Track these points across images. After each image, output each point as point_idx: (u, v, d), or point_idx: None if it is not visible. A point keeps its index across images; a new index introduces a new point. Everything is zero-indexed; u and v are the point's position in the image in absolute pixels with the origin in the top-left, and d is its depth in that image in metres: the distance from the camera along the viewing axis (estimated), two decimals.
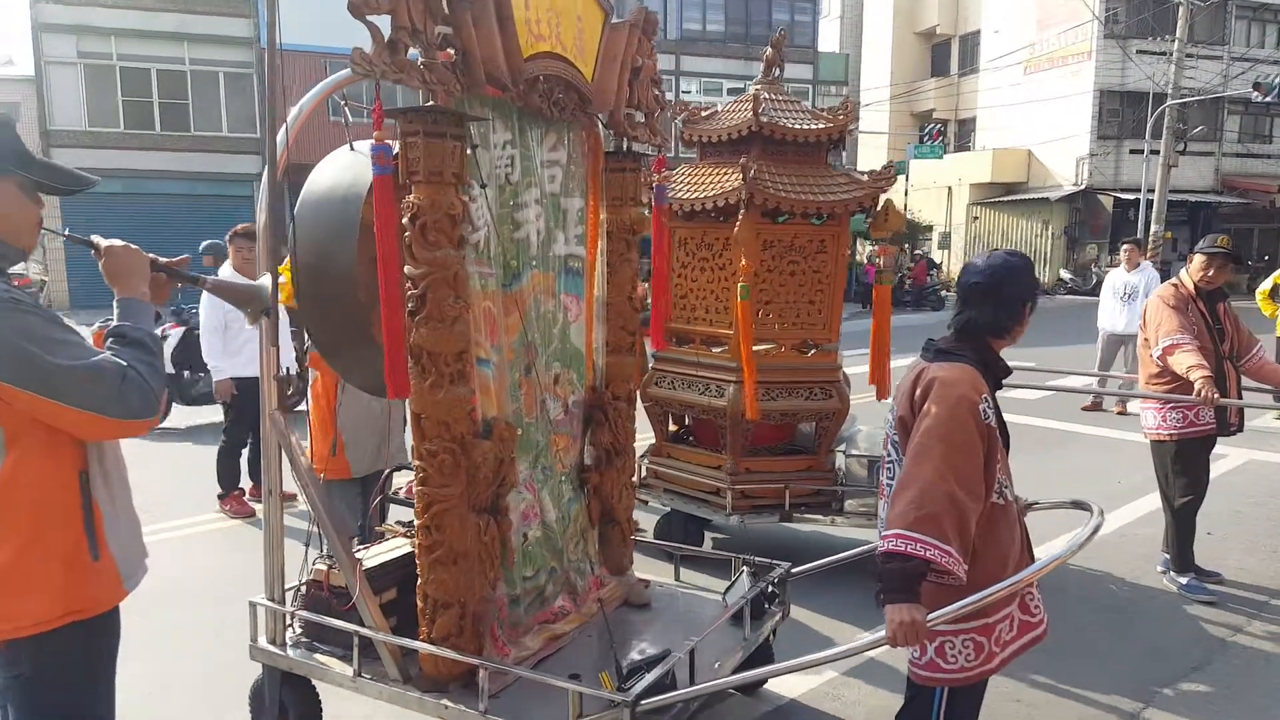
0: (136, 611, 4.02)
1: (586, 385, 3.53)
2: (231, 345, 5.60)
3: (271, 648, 3.01)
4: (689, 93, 27.87)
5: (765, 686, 3.57)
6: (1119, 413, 9.17)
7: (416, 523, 2.77)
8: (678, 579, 3.78)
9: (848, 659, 3.45)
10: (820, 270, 4.93)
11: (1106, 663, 3.87)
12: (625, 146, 3.64)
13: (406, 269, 2.68)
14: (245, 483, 6.08)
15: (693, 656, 2.80)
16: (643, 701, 2.50)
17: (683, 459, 5.17)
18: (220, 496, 5.92)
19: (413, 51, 2.61)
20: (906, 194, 29.23)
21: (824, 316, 4.97)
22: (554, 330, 3.34)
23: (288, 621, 3.06)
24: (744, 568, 3.50)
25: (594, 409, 3.53)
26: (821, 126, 4.88)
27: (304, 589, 3.08)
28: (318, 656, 2.98)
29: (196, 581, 4.70)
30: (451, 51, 2.73)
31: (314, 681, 3.05)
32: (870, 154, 32.74)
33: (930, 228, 31.15)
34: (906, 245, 29.94)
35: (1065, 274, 28.28)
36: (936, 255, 29.42)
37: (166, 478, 6.74)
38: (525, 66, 2.95)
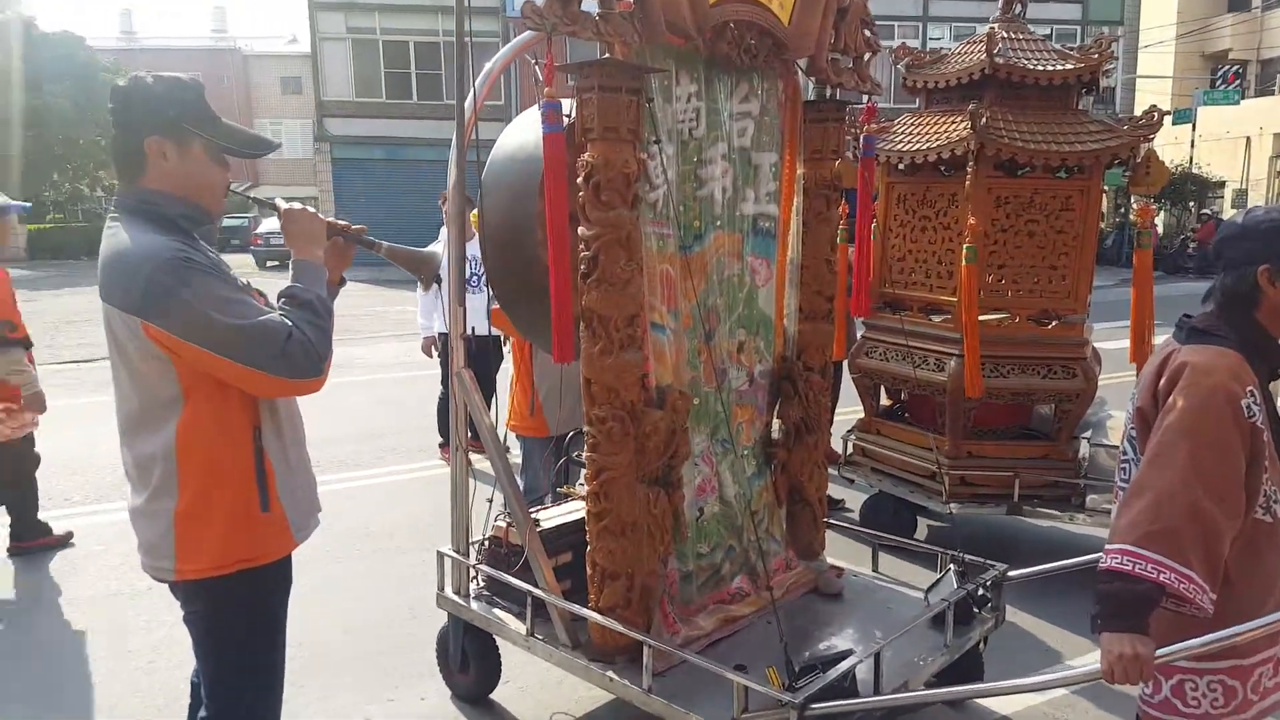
0: (337, 553, 4.45)
1: (775, 354, 3.31)
2: (440, 304, 5.86)
3: (455, 598, 3.09)
4: (939, 39, 25.87)
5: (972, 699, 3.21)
6: None
7: (585, 489, 2.71)
8: (875, 570, 3.49)
9: None
10: (1065, 231, 4.34)
11: None
12: (828, 94, 3.34)
13: (579, 229, 2.59)
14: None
15: (878, 660, 2.53)
16: (813, 706, 2.28)
17: (895, 437, 4.80)
18: (441, 445, 6.28)
19: (590, 2, 2.51)
20: (1193, 145, 25.76)
21: (1068, 284, 4.37)
22: (739, 294, 3.13)
23: (471, 574, 3.12)
24: (951, 565, 3.15)
25: (783, 380, 3.30)
26: (1069, 67, 4.26)
27: (485, 544, 3.12)
28: (496, 611, 3.02)
29: (410, 524, 4.98)
30: (630, 1, 2.58)
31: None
32: (1153, 100, 29.05)
33: (1222, 184, 27.23)
34: (1192, 204, 26.45)
35: None
36: (1229, 215, 25.72)
37: (396, 423, 7.27)
38: (711, 12, 2.75)
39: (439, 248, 2.48)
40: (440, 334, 5.94)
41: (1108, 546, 1.82)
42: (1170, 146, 28.10)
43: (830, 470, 5.34)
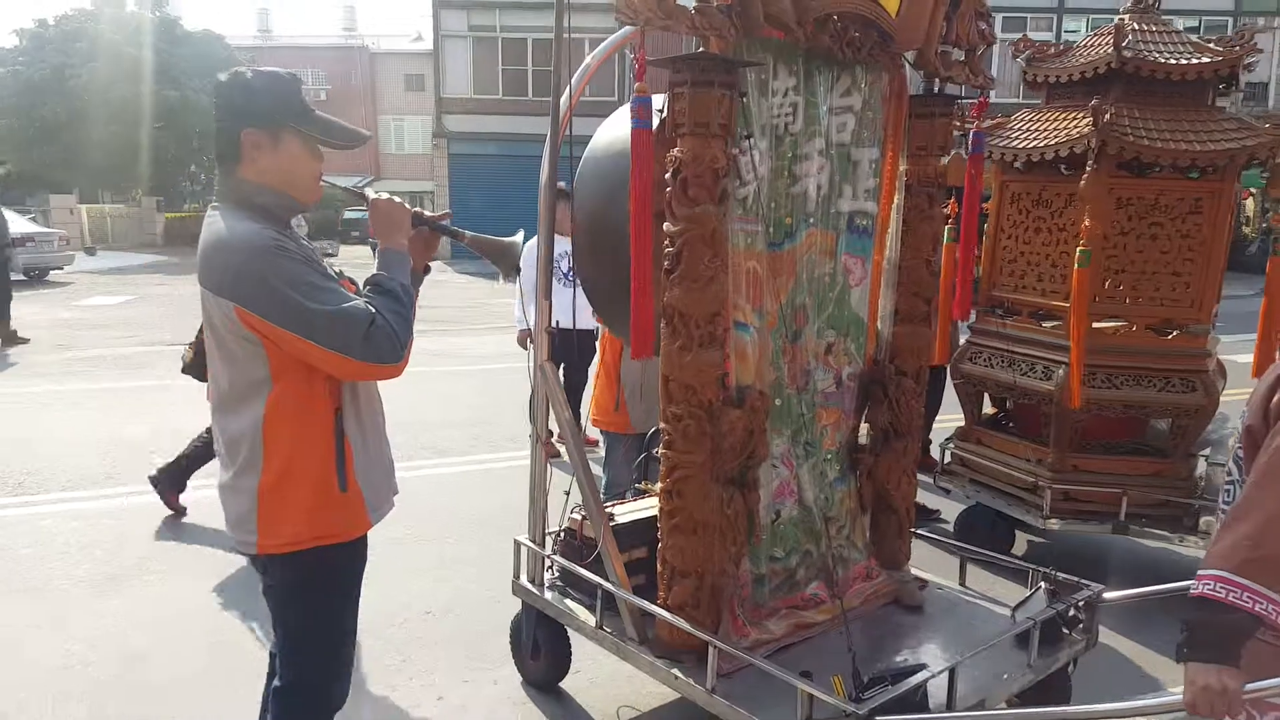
0: (428, 535, 4.57)
1: (867, 357, 3.22)
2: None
3: (530, 586, 3.14)
4: (1074, 32, 24.57)
5: None
6: None
7: (659, 486, 2.70)
8: (962, 583, 3.36)
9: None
10: (1191, 235, 4.06)
11: None
12: (937, 88, 3.21)
13: (665, 225, 2.58)
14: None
15: (953, 676, 2.44)
16: (879, 718, 2.22)
17: (996, 447, 4.60)
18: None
19: None
20: None
21: (1193, 292, 4.09)
22: (830, 294, 3.06)
23: (546, 564, 3.16)
24: (1042, 583, 3.01)
25: (873, 384, 3.20)
26: (1204, 61, 3.97)
27: (561, 535, 3.16)
28: (568, 602, 3.05)
29: (500, 510, 5.07)
30: None
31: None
32: None
33: None
34: None
35: None
36: None
37: (493, 412, 7.43)
38: (813, 4, 2.67)
39: (519, 238, 2.50)
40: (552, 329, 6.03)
41: (1201, 572, 1.71)
42: None
43: (925, 478, 5.23)
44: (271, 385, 1.92)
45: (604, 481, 4.45)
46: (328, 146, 2.07)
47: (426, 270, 2.32)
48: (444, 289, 17.24)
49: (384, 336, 1.88)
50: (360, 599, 2.22)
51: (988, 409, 5.06)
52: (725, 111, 2.49)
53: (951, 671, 2.42)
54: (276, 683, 2.15)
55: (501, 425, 7.00)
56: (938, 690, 2.43)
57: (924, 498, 5.21)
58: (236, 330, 1.88)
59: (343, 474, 2.00)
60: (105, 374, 8.74)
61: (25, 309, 11.88)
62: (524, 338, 6.30)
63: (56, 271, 17.64)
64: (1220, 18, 25.75)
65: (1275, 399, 1.80)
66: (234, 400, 1.96)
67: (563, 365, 6.00)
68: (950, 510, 5.01)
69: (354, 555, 2.14)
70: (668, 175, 2.54)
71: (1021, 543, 4.74)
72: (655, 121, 2.56)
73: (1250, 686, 1.64)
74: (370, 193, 2.14)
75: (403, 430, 6.84)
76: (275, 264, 1.84)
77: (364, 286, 2.03)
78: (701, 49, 2.52)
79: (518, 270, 2.48)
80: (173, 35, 27.32)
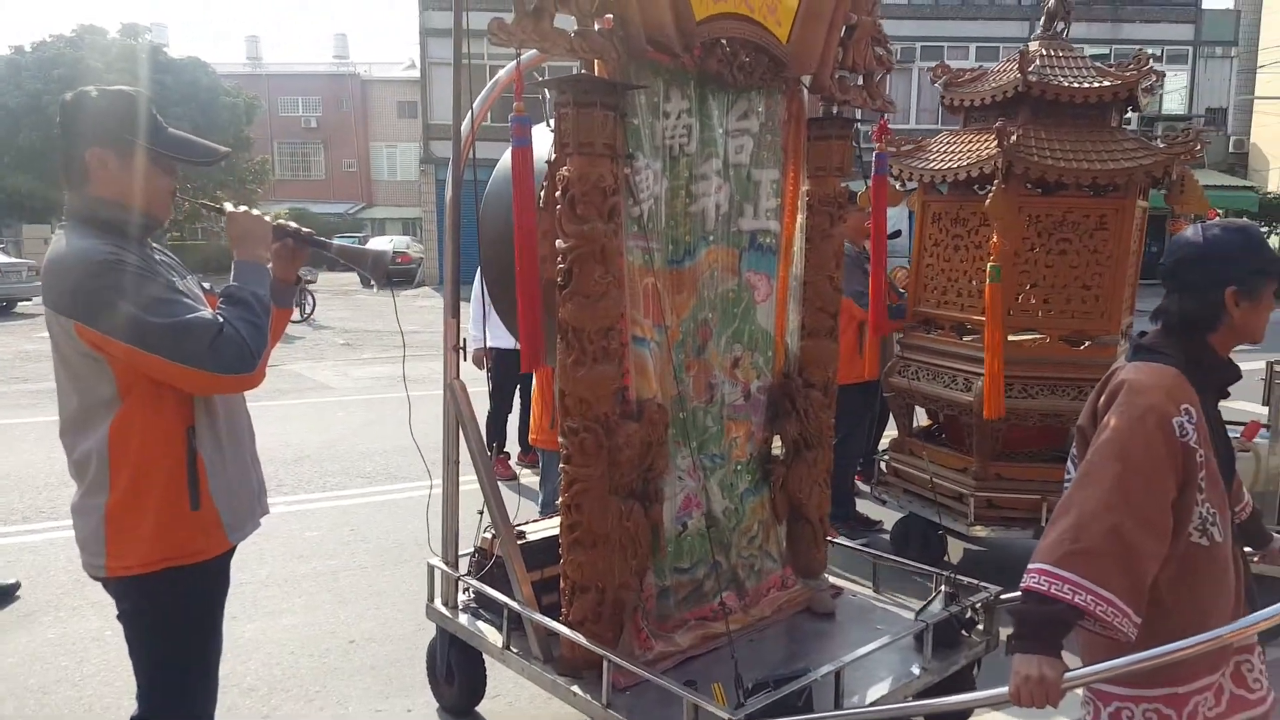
0: (364, 563, 4.56)
1: (776, 370, 3.28)
2: (492, 317, 5.95)
3: (444, 609, 3.16)
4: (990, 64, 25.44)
5: None
6: None
7: (559, 502, 2.74)
8: (876, 590, 3.41)
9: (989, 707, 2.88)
10: (1098, 250, 4.18)
11: None
12: (835, 111, 3.32)
13: (557, 242, 2.64)
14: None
15: (839, 679, 2.48)
16: None
17: (927, 457, 4.68)
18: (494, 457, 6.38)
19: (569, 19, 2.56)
20: None
21: (1102, 304, 4.21)
22: (735, 310, 3.13)
23: (460, 586, 3.18)
24: (943, 586, 3.06)
25: (782, 397, 3.27)
26: (1105, 85, 4.12)
27: (474, 557, 3.18)
28: (479, 624, 3.06)
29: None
30: (611, 18, 2.63)
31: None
32: (1272, 121, 27.62)
33: None
34: None
35: None
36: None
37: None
38: (699, 30, 2.77)
39: (389, 247, 2.55)
40: (490, 347, 6.06)
41: (1029, 566, 1.77)
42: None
43: (864, 488, 5.29)
44: (118, 403, 1.91)
45: (541, 500, 4.49)
46: (184, 163, 2.08)
47: (297, 281, 2.36)
48: (430, 314, 17.25)
49: (232, 346, 1.88)
50: (222, 627, 2.18)
51: (925, 421, 5.15)
52: (610, 131, 2.57)
53: (836, 674, 2.46)
54: (135, 713, 2.10)
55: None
56: (827, 694, 2.47)
57: (867, 509, 5.28)
58: (78, 348, 1.88)
59: (195, 492, 1.98)
60: (51, 407, 8.67)
61: None
62: (479, 357, 6.31)
63: (25, 303, 17.49)
64: (1181, 47, 26.57)
65: (1103, 399, 1.88)
66: (81, 419, 1.95)
67: (519, 386, 6.06)
68: (893, 520, 5.07)
69: (210, 578, 2.10)
70: (557, 194, 2.61)
71: (959, 550, 4.81)
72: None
73: (1069, 675, 1.69)
74: (229, 206, 2.18)
75: (354, 456, 6.87)
76: (113, 278, 1.84)
77: (219, 299, 2.04)
78: (583, 70, 2.61)
79: (388, 278, 2.53)
80: (156, 63, 27.31)
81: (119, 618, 2.06)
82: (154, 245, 2.09)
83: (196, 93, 27.67)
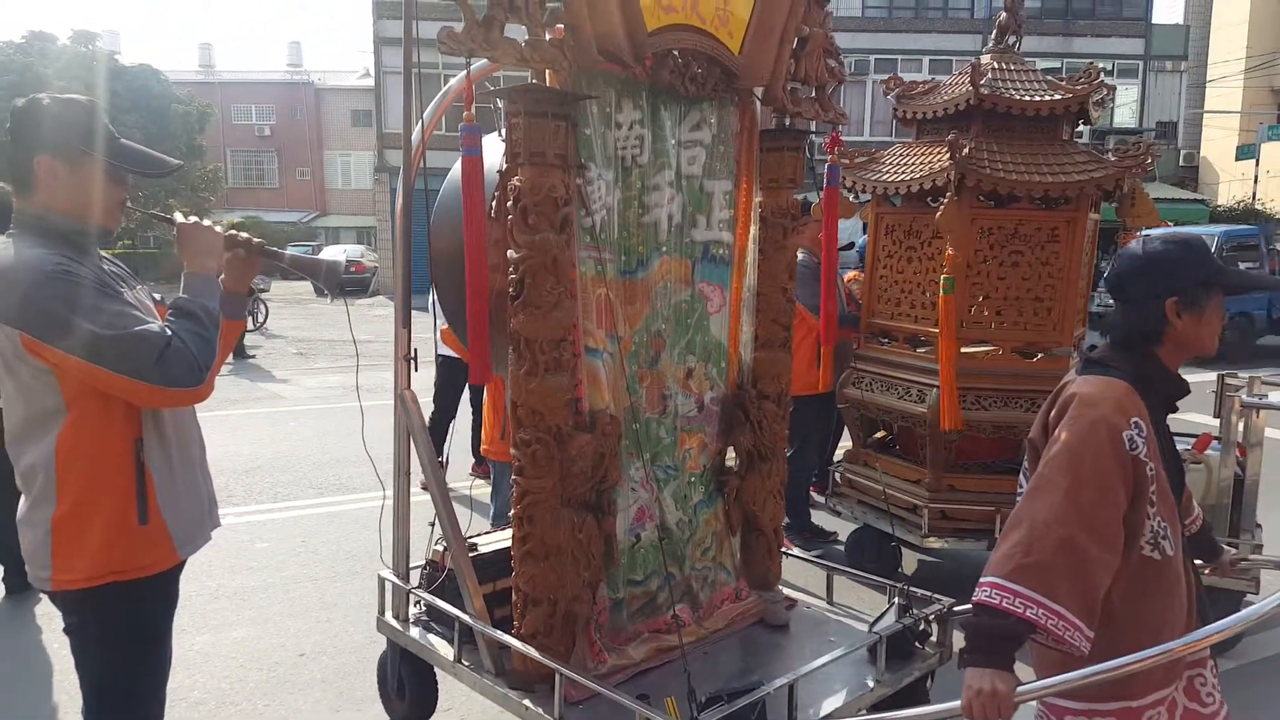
0: (315, 575, 4.48)
1: (729, 381, 3.28)
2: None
3: (394, 622, 3.10)
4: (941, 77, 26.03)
5: None
6: None
7: (511, 514, 2.71)
8: (830, 601, 3.41)
9: None
10: (1050, 263, 4.25)
11: None
12: (787, 123, 3.33)
13: (509, 252, 2.62)
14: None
15: (792, 692, 2.48)
16: None
17: (881, 469, 4.71)
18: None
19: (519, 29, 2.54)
20: (1257, 181, 25.04)
21: (1054, 316, 4.27)
22: (689, 321, 3.12)
23: (411, 599, 3.13)
24: (897, 598, 3.07)
25: (736, 408, 3.27)
26: (1056, 98, 4.20)
27: (425, 569, 3.13)
28: (430, 637, 3.02)
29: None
30: (562, 27, 2.62)
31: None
32: (1220, 136, 28.41)
33: None
34: None
35: None
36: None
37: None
38: (650, 41, 2.77)
39: (342, 258, 2.52)
40: (439, 356, 6.00)
41: (981, 579, 1.77)
42: (1236, 183, 27.36)
43: (819, 499, 5.31)
44: (65, 414, 1.89)
45: (493, 511, 4.44)
46: (134, 174, 2.06)
47: (250, 292, 2.32)
48: (384, 324, 17.05)
49: (180, 359, 1.86)
50: (170, 640, 2.15)
51: (880, 433, 5.18)
52: (562, 142, 2.56)
53: (790, 687, 2.46)
54: None
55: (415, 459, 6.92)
56: (781, 708, 2.46)
57: (823, 520, 5.30)
58: (23, 358, 1.85)
59: (143, 505, 1.96)
60: None
61: None
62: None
63: None
64: (1132, 62, 27.21)
65: (1053, 413, 1.89)
66: (26, 430, 1.92)
67: (470, 394, 6.00)
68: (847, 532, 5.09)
69: (158, 592, 2.07)
70: (509, 204, 2.59)
71: (913, 562, 4.84)
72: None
73: (1021, 689, 1.70)
74: (179, 216, 2.14)
75: (306, 466, 6.75)
76: (60, 288, 1.82)
77: (169, 311, 2.02)
78: (535, 80, 2.59)
79: (341, 288, 2.50)
80: (108, 70, 26.85)
81: (65, 631, 2.03)
82: (103, 255, 2.05)
83: (149, 100, 27.24)
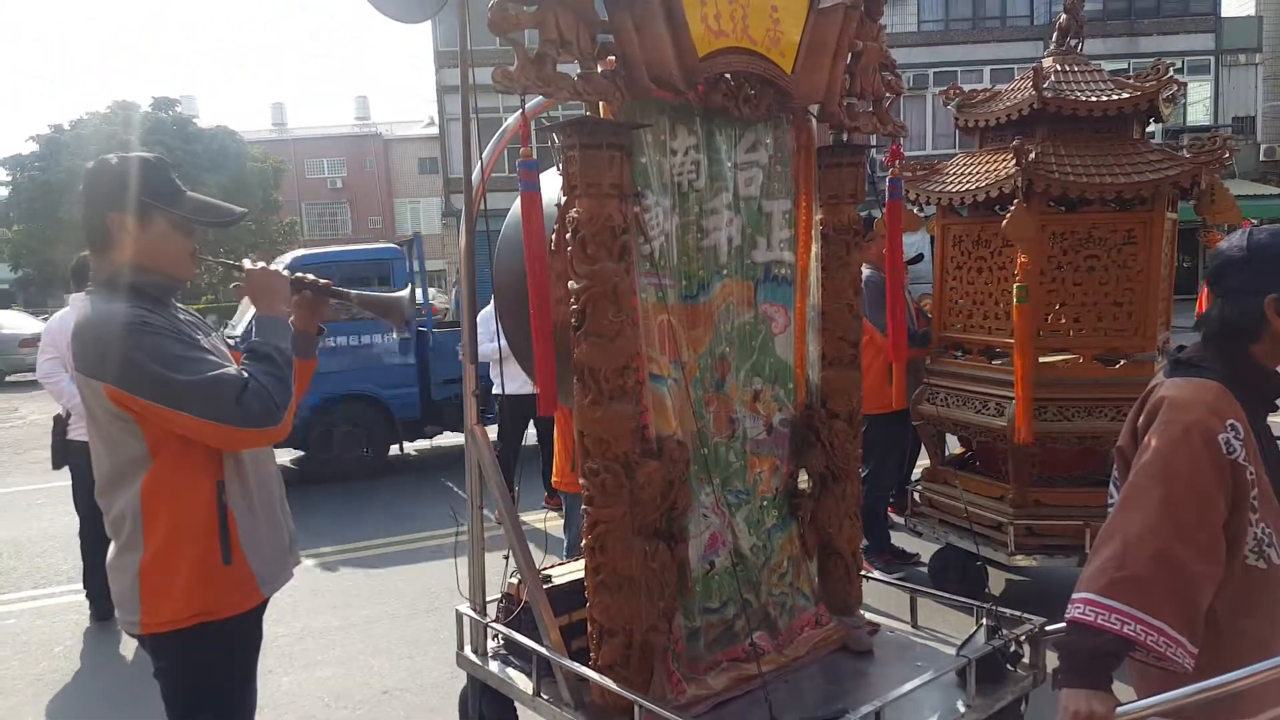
0: (396, 613, 4.53)
1: (798, 402, 3.23)
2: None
3: (473, 657, 3.11)
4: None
5: None
6: None
7: (583, 544, 2.70)
8: (915, 625, 3.31)
9: None
10: (1128, 265, 4.10)
11: None
12: (845, 139, 3.30)
13: (569, 283, 2.64)
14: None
15: (878, 719, 2.40)
16: None
17: (962, 486, 4.57)
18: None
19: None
20: None
21: (1135, 321, 4.12)
22: (753, 343, 3.09)
23: (490, 633, 3.14)
24: (985, 620, 2.96)
25: (806, 429, 3.21)
26: (1124, 96, 4.07)
27: (501, 602, 3.14)
28: (509, 671, 3.02)
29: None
30: (614, 59, 2.65)
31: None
32: None
33: None
34: None
35: None
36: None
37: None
38: (701, 66, 2.77)
39: (405, 293, 2.57)
40: (497, 393, 6.07)
41: (1073, 596, 1.69)
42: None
43: (898, 520, 5.18)
44: (149, 462, 1.95)
45: (566, 544, 4.44)
46: (201, 224, 2.13)
47: (321, 331, 2.38)
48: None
49: (257, 400, 1.91)
50: (255, 680, 2.20)
51: (959, 449, 5.05)
52: (617, 172, 2.57)
53: (877, 714, 2.38)
54: None
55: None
56: None
57: (903, 541, 5.17)
58: (108, 409, 1.92)
59: (226, 546, 2.00)
60: None
61: (28, 407, 12.05)
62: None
63: None
64: (1203, 57, 26.37)
65: (1142, 418, 1.81)
66: (114, 479, 1.99)
67: (536, 429, 6.06)
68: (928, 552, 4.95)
69: (244, 631, 2.12)
70: (567, 236, 2.61)
71: (1000, 581, 4.67)
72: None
73: (1121, 709, 1.61)
74: (247, 263, 2.21)
75: (378, 506, 6.87)
76: (139, 340, 1.88)
77: (242, 354, 2.08)
78: (589, 112, 2.62)
79: (408, 324, 2.54)
80: (185, 133, 28.19)
81: (155, 675, 2.08)
82: (178, 305, 2.12)
83: (226, 160, 28.47)
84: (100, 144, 26.70)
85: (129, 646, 4.45)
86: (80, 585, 5.10)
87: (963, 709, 2.65)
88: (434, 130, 29.19)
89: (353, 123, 48.02)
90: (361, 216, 45.16)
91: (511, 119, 3.16)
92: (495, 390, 5.72)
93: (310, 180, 44.54)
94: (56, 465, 4.88)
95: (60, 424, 4.82)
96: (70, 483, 4.90)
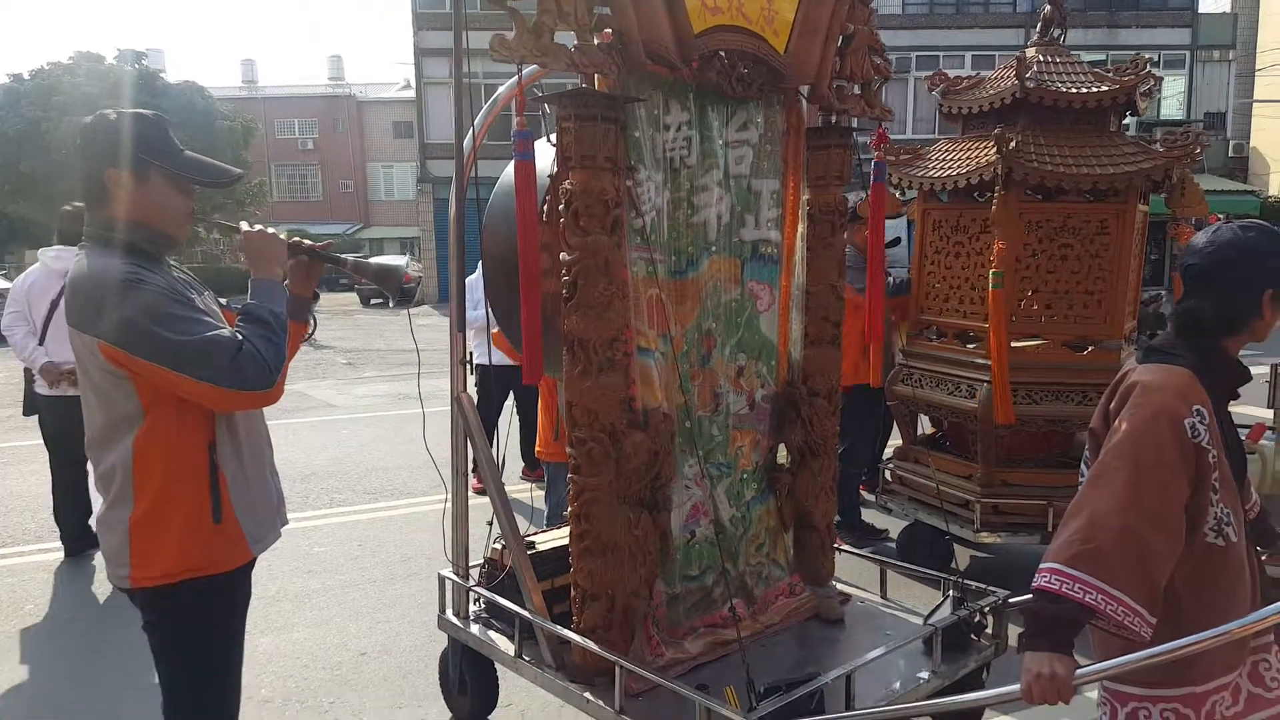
0: (374, 576, 4.58)
1: (779, 379, 3.31)
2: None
3: (455, 620, 3.17)
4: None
5: None
6: None
7: (568, 511, 2.76)
8: (884, 596, 3.42)
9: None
10: (1100, 255, 4.21)
11: None
12: (834, 120, 3.35)
13: (561, 255, 2.67)
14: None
15: (849, 682, 2.49)
16: None
17: (932, 465, 4.69)
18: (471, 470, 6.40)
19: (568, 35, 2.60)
20: None
21: (1105, 309, 4.23)
22: (739, 319, 3.15)
23: (471, 597, 3.20)
24: (952, 591, 3.07)
25: (787, 405, 3.29)
26: (1103, 89, 4.16)
27: (484, 567, 3.20)
28: (491, 634, 3.08)
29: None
30: (610, 32, 2.67)
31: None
32: (1271, 126, 27.68)
33: None
34: None
35: None
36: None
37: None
38: (696, 43, 2.81)
39: (402, 261, 2.59)
40: (477, 365, 6.07)
41: (1040, 565, 1.78)
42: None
43: (869, 497, 5.30)
44: (142, 418, 1.95)
45: (548, 511, 4.50)
46: (199, 185, 2.13)
47: (315, 297, 2.40)
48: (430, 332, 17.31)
49: (251, 363, 1.92)
50: (243, 637, 2.22)
51: (930, 429, 5.16)
52: (611, 145, 2.60)
53: (847, 678, 2.47)
54: None
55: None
56: (838, 698, 2.48)
57: (873, 518, 5.29)
58: (101, 365, 1.92)
59: (217, 505, 2.02)
60: None
61: None
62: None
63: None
64: (1178, 52, 26.69)
65: (1114, 402, 1.89)
66: (106, 434, 1.99)
67: (516, 399, 6.08)
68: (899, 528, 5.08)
69: (233, 587, 2.13)
70: (560, 207, 2.64)
71: (966, 557, 4.81)
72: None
73: (1080, 672, 1.71)
74: (244, 225, 2.21)
75: (359, 472, 6.89)
76: (134, 297, 1.88)
77: (237, 316, 2.08)
78: (584, 84, 2.64)
79: (404, 292, 2.57)
80: (152, 87, 27.38)
81: (144, 628, 2.10)
82: (172, 263, 2.12)
83: (193, 116, 27.77)
84: (62, 96, 25.94)
85: (101, 601, 4.46)
86: (51, 544, 5.13)
87: (927, 675, 2.76)
88: (409, 94, 28.76)
89: (326, 83, 47.14)
90: (333, 179, 44.50)
91: (504, 87, 3.17)
92: (479, 360, 5.72)
93: (280, 141, 43.73)
94: (26, 412, 5.20)
95: (30, 374, 4.97)
96: (40, 435, 5.04)
